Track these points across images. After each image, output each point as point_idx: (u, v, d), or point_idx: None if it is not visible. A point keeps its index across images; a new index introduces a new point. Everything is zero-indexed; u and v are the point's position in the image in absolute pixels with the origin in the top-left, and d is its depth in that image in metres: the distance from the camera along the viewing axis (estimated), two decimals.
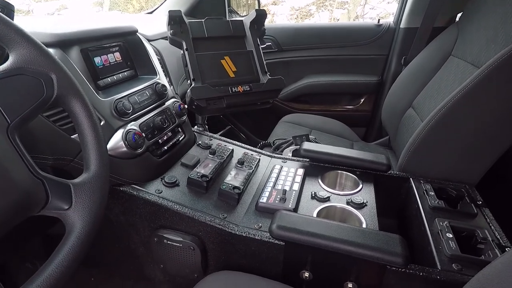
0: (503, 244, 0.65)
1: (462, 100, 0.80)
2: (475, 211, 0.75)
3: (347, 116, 1.68)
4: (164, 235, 0.75)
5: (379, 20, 1.61)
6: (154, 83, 0.91)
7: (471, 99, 0.79)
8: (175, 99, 0.97)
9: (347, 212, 0.75)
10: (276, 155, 0.99)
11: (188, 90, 0.87)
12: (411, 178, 0.88)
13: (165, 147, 0.86)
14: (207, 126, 1.12)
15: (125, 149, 0.74)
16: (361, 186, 0.84)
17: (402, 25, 1.51)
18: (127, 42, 0.93)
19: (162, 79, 0.96)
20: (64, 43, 0.71)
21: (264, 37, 1.67)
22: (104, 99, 0.75)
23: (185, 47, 0.92)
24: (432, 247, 0.65)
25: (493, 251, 0.63)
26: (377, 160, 0.90)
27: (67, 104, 0.47)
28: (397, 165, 0.96)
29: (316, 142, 1.19)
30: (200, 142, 0.99)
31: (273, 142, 1.24)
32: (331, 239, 0.61)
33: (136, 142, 0.75)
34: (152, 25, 1.26)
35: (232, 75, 0.95)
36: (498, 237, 0.68)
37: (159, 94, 0.91)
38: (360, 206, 0.76)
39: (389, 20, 1.62)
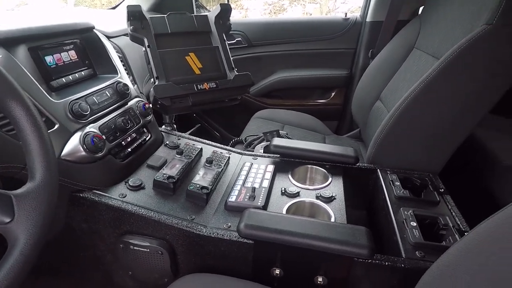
0: (463, 229, 0.68)
1: (423, 91, 0.82)
2: (438, 199, 0.77)
3: (319, 110, 1.70)
4: (130, 240, 0.72)
5: (346, 14, 1.63)
6: (115, 82, 0.87)
7: (431, 91, 0.81)
8: (139, 99, 0.93)
9: (316, 207, 0.76)
10: (246, 152, 0.98)
11: (151, 89, 0.84)
12: (378, 170, 0.90)
13: (129, 149, 0.83)
14: (175, 126, 1.09)
15: (83, 153, 0.70)
16: (330, 179, 0.85)
17: (368, 19, 1.54)
18: (84, 40, 0.88)
19: (123, 77, 0.91)
20: (8, 41, 0.66)
21: (234, 32, 1.66)
22: (57, 100, 0.70)
23: (147, 44, 0.89)
24: (397, 236, 0.67)
25: (453, 236, 0.66)
26: (346, 153, 0.91)
27: (6, 108, 0.43)
28: (366, 157, 0.98)
29: (288, 137, 1.19)
30: (167, 142, 0.95)
31: (245, 139, 1.23)
32: (299, 235, 0.61)
33: (95, 145, 0.71)
34: (113, 21, 1.20)
35: (197, 72, 0.92)
36: (458, 222, 0.70)
37: (121, 93, 0.87)
38: (329, 199, 0.76)
39: (357, 14, 1.65)
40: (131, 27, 0.86)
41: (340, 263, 0.62)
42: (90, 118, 0.75)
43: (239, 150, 0.99)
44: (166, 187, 0.76)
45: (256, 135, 1.21)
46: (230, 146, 1.17)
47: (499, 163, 1.05)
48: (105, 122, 0.78)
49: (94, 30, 0.90)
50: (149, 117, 0.93)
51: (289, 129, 1.37)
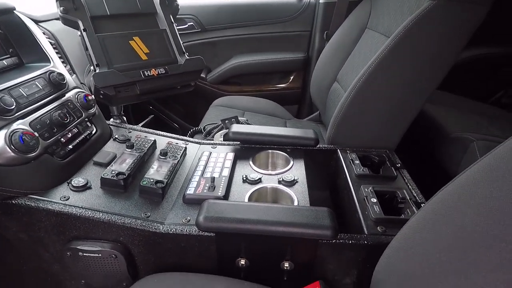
0: (419, 201, 0.70)
1: (376, 70, 0.82)
2: (395, 174, 0.79)
3: (279, 94, 1.68)
4: (79, 247, 0.65)
5: None
6: (47, 71, 0.77)
7: (383, 69, 0.82)
8: (79, 90, 0.83)
9: (279, 191, 0.74)
10: (205, 142, 0.93)
11: (91, 77, 0.75)
12: (338, 150, 0.90)
13: (71, 146, 0.74)
14: (125, 118, 1.00)
15: (11, 153, 0.61)
16: (292, 163, 0.83)
17: (321, 0, 1.53)
18: (3, 24, 0.76)
19: (58, 66, 0.81)
20: None
21: (185, 16, 1.57)
22: None
23: (82, 28, 0.79)
24: (359, 213, 0.67)
25: (411, 208, 0.67)
26: (306, 135, 0.90)
27: None
28: (326, 138, 0.98)
29: (248, 124, 1.15)
30: (116, 136, 0.87)
31: (204, 128, 1.18)
32: (261, 222, 0.58)
33: (26, 144, 0.62)
34: (45, 4, 1.06)
35: (144, 57, 0.85)
36: (415, 195, 0.73)
37: (55, 84, 0.77)
38: (291, 183, 0.75)
39: None
40: (61, 8, 0.76)
41: (305, 246, 0.61)
42: (18, 114, 0.65)
43: (197, 140, 0.94)
44: (115, 184, 0.69)
45: (215, 123, 1.16)
46: (189, 137, 1.11)
47: (447, 136, 1.11)
48: (38, 117, 0.69)
49: (15, 12, 0.78)
50: (93, 110, 0.84)
51: (249, 116, 1.34)
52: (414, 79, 0.84)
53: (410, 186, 0.76)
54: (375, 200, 0.69)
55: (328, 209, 0.62)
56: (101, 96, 0.79)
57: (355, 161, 0.83)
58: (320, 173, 0.93)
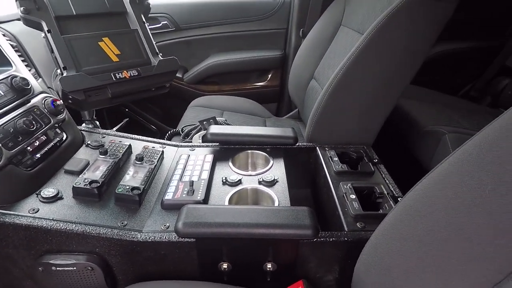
0: (396, 195, 0.71)
1: (351, 66, 0.83)
2: (373, 169, 0.81)
3: (257, 93, 1.68)
4: (51, 261, 0.62)
5: None
6: (8, 76, 0.72)
7: (358, 65, 0.83)
8: (46, 95, 0.79)
9: (259, 192, 0.73)
10: (183, 144, 0.91)
11: (58, 81, 0.71)
12: (317, 147, 0.90)
13: (38, 155, 0.70)
14: (97, 122, 0.96)
15: None
16: (272, 162, 0.83)
17: None
18: None
19: (21, 70, 0.76)
20: None
21: (159, 15, 1.53)
22: None
23: (46, 29, 0.75)
24: (339, 210, 0.68)
25: (388, 203, 0.69)
26: (285, 134, 0.90)
27: None
28: (305, 136, 0.99)
29: (227, 124, 1.14)
30: (89, 142, 0.84)
31: (182, 129, 1.15)
32: (241, 225, 0.57)
33: None
34: (4, 3, 1.00)
35: (115, 59, 0.81)
36: (392, 189, 0.74)
37: (19, 90, 0.72)
38: (271, 183, 0.75)
39: None
40: (22, 8, 0.71)
41: (287, 247, 0.61)
42: None
43: (174, 143, 0.92)
44: (89, 193, 0.66)
45: (193, 125, 1.14)
46: (167, 139, 1.09)
47: (421, 129, 1.15)
48: (0, 126, 0.64)
49: None
50: (62, 115, 0.80)
51: (228, 115, 1.32)
52: (388, 75, 0.86)
53: (387, 181, 0.77)
54: (354, 197, 0.70)
55: (308, 209, 0.62)
56: (70, 101, 0.76)
57: (334, 158, 0.84)
58: (300, 171, 0.93)
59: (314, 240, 0.60)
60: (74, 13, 0.80)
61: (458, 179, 0.39)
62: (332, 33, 1.20)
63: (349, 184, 0.73)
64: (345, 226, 0.64)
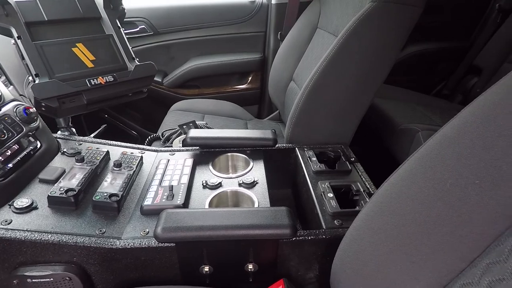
0: (372, 192, 0.74)
1: (326, 68, 0.86)
2: (350, 168, 0.83)
3: (238, 96, 1.69)
4: (26, 273, 0.60)
5: None
6: None
7: (333, 66, 0.86)
8: (18, 102, 0.77)
9: (239, 194, 0.74)
10: (162, 149, 0.91)
11: (30, 89, 0.70)
12: (296, 148, 0.92)
13: (11, 164, 0.68)
14: (74, 129, 0.94)
15: None
16: (251, 164, 0.84)
17: (273, 1, 1.56)
18: None
19: None
20: None
21: (136, 19, 1.51)
22: None
23: (16, 35, 0.73)
24: (317, 209, 0.70)
25: (364, 200, 0.71)
26: (264, 136, 0.91)
27: None
28: (284, 137, 1.00)
29: (207, 127, 1.14)
30: (65, 149, 0.82)
31: (162, 134, 1.14)
32: (220, 227, 0.58)
33: None
34: None
35: (90, 65, 0.80)
36: (368, 186, 0.77)
37: None
38: (251, 185, 0.75)
39: None
40: None
41: (267, 247, 0.61)
42: None
43: (154, 148, 0.91)
44: (65, 202, 0.65)
45: (174, 129, 1.14)
46: (147, 144, 1.08)
47: (396, 128, 1.19)
48: None
49: None
50: (36, 123, 0.77)
51: (209, 119, 1.33)
52: (362, 76, 0.89)
53: (363, 179, 0.80)
54: (331, 195, 0.72)
55: (286, 208, 0.63)
56: (43, 109, 0.74)
57: (312, 158, 0.86)
58: (281, 172, 0.95)
59: (293, 239, 0.61)
60: (46, 19, 0.78)
61: (422, 175, 0.41)
62: (309, 36, 1.22)
63: (327, 183, 0.75)
64: (323, 224, 0.66)
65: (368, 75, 0.89)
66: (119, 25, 0.89)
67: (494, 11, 1.54)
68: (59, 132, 0.92)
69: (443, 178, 0.38)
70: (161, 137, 1.14)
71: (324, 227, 0.65)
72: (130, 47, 0.88)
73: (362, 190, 0.74)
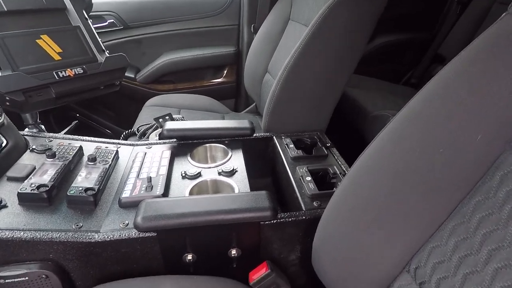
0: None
1: (299, 58, 0.88)
2: (326, 153, 0.86)
3: (214, 90, 1.68)
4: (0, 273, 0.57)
5: None
6: None
7: (305, 56, 0.88)
8: None
9: (219, 182, 0.74)
10: (138, 143, 0.89)
11: None
12: (274, 136, 0.94)
13: None
14: (43, 126, 0.90)
15: None
16: (230, 154, 0.84)
17: None
18: None
19: None
20: None
21: (104, 13, 1.46)
22: None
23: None
24: (296, 192, 0.71)
25: (341, 181, 0.74)
26: (242, 125, 0.91)
27: None
28: (262, 127, 1.01)
29: (183, 121, 1.13)
30: (34, 146, 0.78)
31: (137, 129, 1.12)
32: (201, 214, 0.58)
33: None
34: None
35: (57, 57, 0.77)
36: (344, 169, 0.80)
37: None
38: (231, 173, 0.76)
39: None
40: None
41: (249, 231, 0.62)
42: None
43: (129, 142, 0.89)
44: (37, 198, 0.63)
45: (149, 124, 1.12)
46: (122, 140, 1.05)
47: (368, 114, 1.23)
48: None
49: None
50: (0, 120, 0.74)
51: (186, 113, 1.31)
52: (334, 63, 0.91)
53: (339, 162, 0.83)
54: (309, 178, 0.74)
55: (266, 192, 0.64)
56: (7, 104, 0.70)
57: (290, 145, 0.88)
58: (260, 161, 0.96)
59: (274, 221, 0.62)
60: (5, 9, 0.74)
61: (391, 148, 0.43)
62: (282, 28, 1.24)
63: (304, 168, 0.77)
64: (302, 206, 0.67)
65: (340, 63, 0.92)
66: (86, 16, 0.86)
67: (454, 3, 1.63)
68: (26, 129, 0.88)
69: (411, 149, 0.41)
70: (136, 132, 1.12)
71: (304, 209, 0.67)
72: (99, 39, 0.85)
73: (338, 172, 0.77)
